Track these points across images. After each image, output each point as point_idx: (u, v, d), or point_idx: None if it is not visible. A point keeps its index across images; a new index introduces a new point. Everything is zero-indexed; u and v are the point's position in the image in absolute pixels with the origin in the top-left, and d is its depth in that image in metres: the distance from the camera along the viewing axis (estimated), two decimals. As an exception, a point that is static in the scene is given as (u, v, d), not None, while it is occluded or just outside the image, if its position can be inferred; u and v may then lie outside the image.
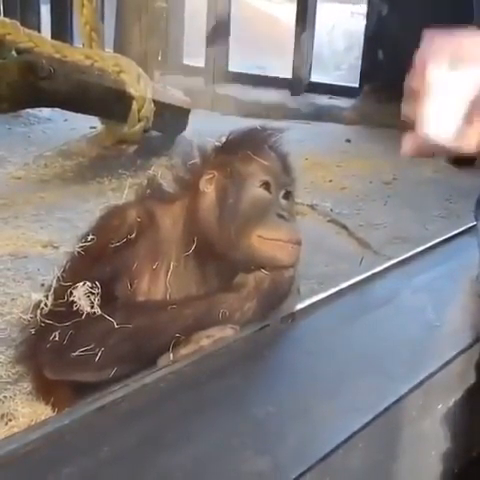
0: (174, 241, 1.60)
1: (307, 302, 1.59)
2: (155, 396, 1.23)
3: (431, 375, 1.35)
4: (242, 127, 1.65)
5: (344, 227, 3.60)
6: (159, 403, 1.21)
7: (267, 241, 1.51)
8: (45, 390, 1.57)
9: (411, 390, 1.30)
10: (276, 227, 1.52)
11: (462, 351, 1.46)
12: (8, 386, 1.97)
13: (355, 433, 1.14)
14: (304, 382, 1.30)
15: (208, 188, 1.58)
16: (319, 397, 1.26)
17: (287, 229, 1.53)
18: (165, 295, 1.56)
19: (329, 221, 3.70)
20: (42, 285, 2.54)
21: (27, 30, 4.44)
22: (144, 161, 4.30)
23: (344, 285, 1.70)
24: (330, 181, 4.41)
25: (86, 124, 5.03)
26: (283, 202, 1.58)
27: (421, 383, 1.33)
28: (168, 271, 1.57)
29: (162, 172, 1.77)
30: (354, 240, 3.42)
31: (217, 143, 1.64)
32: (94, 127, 4.98)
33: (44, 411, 1.53)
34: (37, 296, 1.58)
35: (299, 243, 1.53)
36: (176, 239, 1.60)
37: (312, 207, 3.81)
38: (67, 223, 3.43)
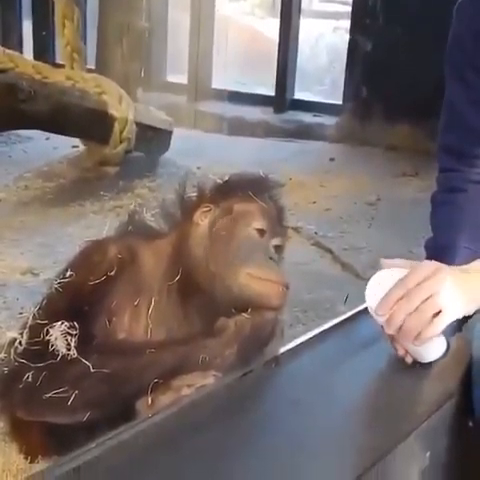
0: (157, 277, 1.58)
1: (291, 345, 1.55)
2: (133, 454, 1.18)
3: (417, 426, 1.31)
4: (245, 171, 1.69)
5: (328, 251, 3.57)
6: (137, 462, 1.17)
7: (257, 279, 1.50)
8: (18, 432, 1.54)
9: (399, 442, 1.27)
10: (267, 267, 1.52)
11: (450, 396, 1.43)
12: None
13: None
14: (289, 436, 1.26)
15: (202, 220, 1.58)
16: (304, 452, 1.22)
17: (277, 271, 1.54)
18: (146, 333, 1.53)
19: (313, 244, 3.67)
20: (20, 314, 2.48)
21: (8, 50, 4.41)
22: (126, 182, 4.26)
23: (327, 325, 1.67)
24: (314, 202, 4.39)
25: (68, 143, 4.98)
26: (273, 250, 1.57)
27: (407, 436, 1.29)
28: (149, 308, 1.54)
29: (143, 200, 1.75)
30: (338, 265, 3.39)
31: (219, 180, 1.66)
32: (76, 146, 4.94)
33: (16, 460, 1.48)
34: (11, 334, 1.55)
35: (287, 287, 1.52)
36: (159, 275, 1.58)
37: (296, 230, 3.77)
38: (47, 248, 3.38)
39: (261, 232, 1.56)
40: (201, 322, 1.54)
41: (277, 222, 1.62)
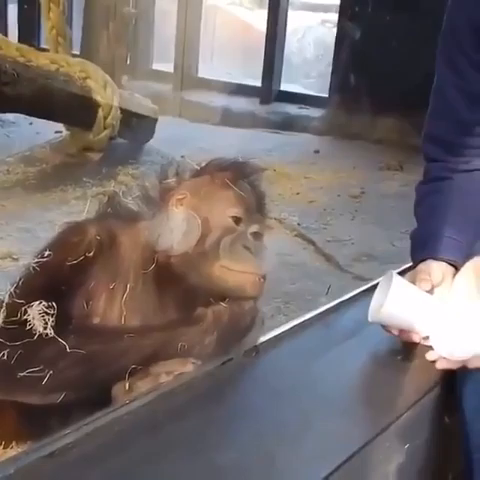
0: (134, 261, 1.55)
1: (271, 335, 1.54)
2: (108, 441, 1.16)
3: (396, 419, 1.30)
4: (225, 157, 1.62)
5: (311, 242, 3.56)
6: (113, 448, 1.15)
7: (231, 271, 1.47)
8: None
9: (378, 433, 1.26)
10: (241, 258, 1.48)
11: (429, 391, 1.43)
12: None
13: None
14: (268, 425, 1.25)
15: (178, 208, 1.54)
16: (283, 442, 1.20)
17: (252, 261, 1.49)
18: (120, 317, 1.50)
19: (296, 236, 3.66)
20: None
21: (-9, 33, 4.36)
22: (109, 169, 4.22)
23: (309, 315, 1.66)
24: (298, 194, 4.37)
25: (51, 128, 4.93)
26: (250, 238, 1.54)
27: (388, 426, 1.28)
28: (125, 292, 1.52)
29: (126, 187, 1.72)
30: (321, 256, 3.38)
31: (196, 166, 1.62)
32: (60, 132, 4.89)
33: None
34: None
35: (264, 276, 1.49)
36: (136, 259, 1.55)
37: (279, 221, 3.76)
38: (28, 233, 3.34)
39: (237, 220, 1.52)
40: (179, 309, 1.52)
41: (256, 208, 1.57)
